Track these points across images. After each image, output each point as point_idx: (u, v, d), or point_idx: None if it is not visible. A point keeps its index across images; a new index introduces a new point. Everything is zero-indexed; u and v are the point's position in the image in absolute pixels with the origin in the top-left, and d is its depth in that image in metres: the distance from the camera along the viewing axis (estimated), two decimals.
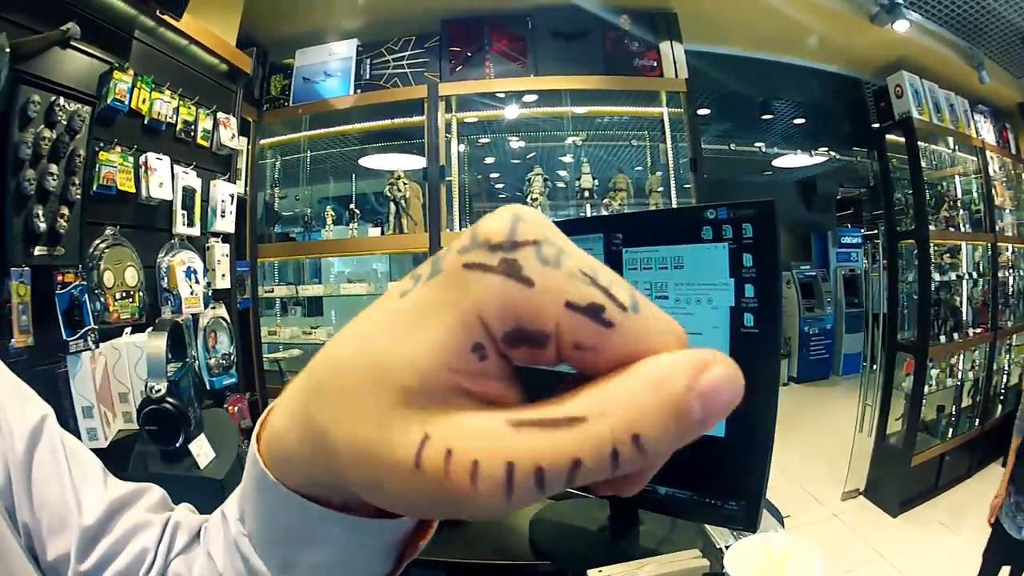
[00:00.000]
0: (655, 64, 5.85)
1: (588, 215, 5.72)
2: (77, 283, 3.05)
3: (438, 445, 0.35)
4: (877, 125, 7.41)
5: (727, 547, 1.73)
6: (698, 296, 1.49)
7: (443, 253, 0.38)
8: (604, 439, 0.32)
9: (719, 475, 1.52)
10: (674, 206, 5.66)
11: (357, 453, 0.38)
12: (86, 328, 3.05)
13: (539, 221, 0.37)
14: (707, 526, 1.80)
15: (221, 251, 4.53)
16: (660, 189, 5.88)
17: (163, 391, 2.43)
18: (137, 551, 0.81)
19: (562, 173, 6.32)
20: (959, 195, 7.67)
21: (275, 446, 0.51)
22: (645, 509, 1.73)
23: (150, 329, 2.70)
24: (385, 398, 0.37)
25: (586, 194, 5.89)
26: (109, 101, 3.36)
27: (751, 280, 1.42)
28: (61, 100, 2.99)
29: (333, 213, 6.06)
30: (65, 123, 3.01)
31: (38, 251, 2.89)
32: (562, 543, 1.80)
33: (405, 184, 5.66)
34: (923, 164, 6.91)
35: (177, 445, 2.46)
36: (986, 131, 8.09)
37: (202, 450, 2.58)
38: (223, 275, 4.55)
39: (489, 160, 7.02)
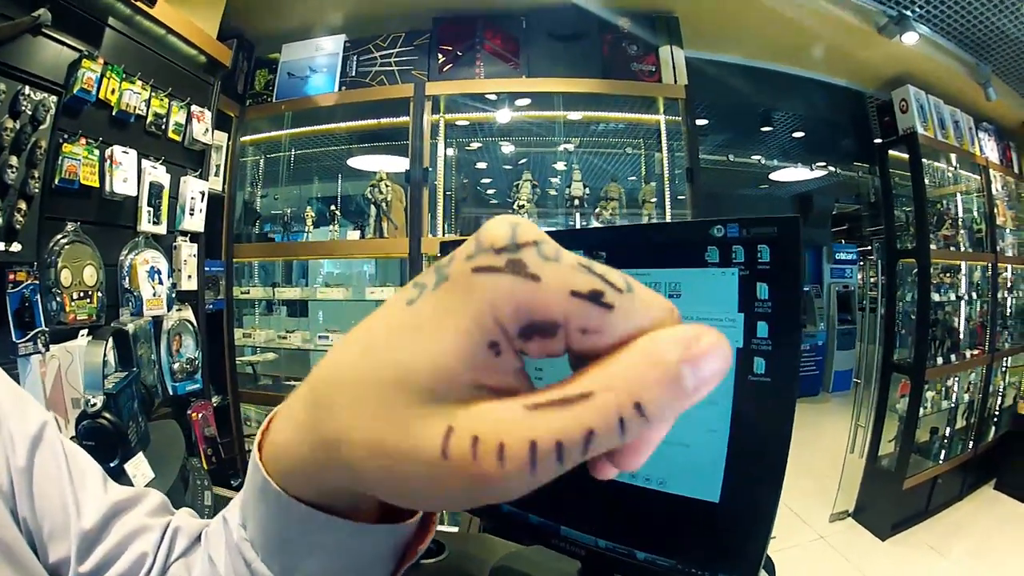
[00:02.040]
0: (653, 69, 5.76)
1: (577, 224, 5.73)
2: (29, 282, 2.95)
3: (463, 434, 0.37)
4: (880, 140, 7.37)
5: None
6: None
7: (445, 262, 0.41)
8: (611, 409, 0.36)
9: (709, 544, 1.28)
10: (668, 218, 5.63)
11: (379, 455, 0.40)
12: (36, 330, 2.94)
13: (533, 226, 0.41)
14: None
15: (189, 251, 4.42)
16: (654, 200, 5.80)
17: (99, 405, 2.32)
18: (136, 555, 0.83)
19: (554, 180, 6.29)
20: (960, 214, 7.68)
21: (280, 456, 0.53)
22: (619, 574, 1.51)
23: (89, 337, 2.60)
24: (405, 400, 0.39)
25: (576, 202, 5.84)
26: (76, 91, 3.24)
27: (765, 317, 1.15)
28: (27, 89, 2.92)
29: (313, 214, 6.04)
30: (30, 113, 2.93)
31: None
32: None
33: (388, 187, 5.59)
34: (926, 181, 6.86)
35: (112, 465, 2.34)
36: (990, 149, 8.13)
37: (139, 470, 2.47)
38: (190, 276, 4.43)
39: (480, 165, 7.02)
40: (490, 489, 0.37)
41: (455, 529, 2.70)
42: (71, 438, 2.32)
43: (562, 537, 1.53)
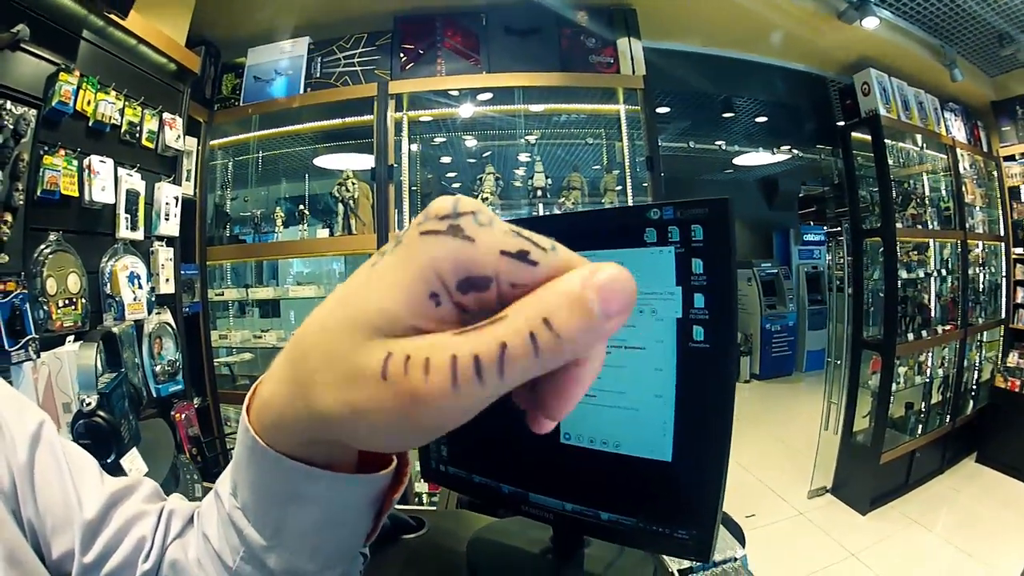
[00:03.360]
0: (612, 61, 5.83)
1: (540, 214, 5.70)
2: (18, 292, 3.00)
3: (399, 356, 0.43)
4: (842, 123, 7.48)
5: (679, 571, 1.65)
6: (640, 306, 1.31)
7: (403, 231, 0.48)
8: (521, 325, 0.41)
9: (666, 502, 1.38)
10: (627, 205, 5.64)
11: (335, 385, 0.46)
12: (27, 338, 2.99)
13: (473, 200, 0.47)
14: None
15: (165, 255, 4.48)
16: (617, 188, 5.87)
17: (93, 404, 2.39)
18: (136, 540, 0.86)
19: (518, 172, 6.32)
20: (927, 192, 7.76)
21: (264, 412, 0.59)
22: (587, 535, 1.61)
23: (79, 341, 2.66)
24: (358, 338, 0.45)
25: (539, 193, 5.90)
26: (54, 103, 3.31)
27: (701, 288, 1.25)
28: (8, 104, 2.97)
29: (283, 214, 6.05)
30: (12, 127, 2.98)
31: None
32: (501, 566, 1.70)
33: (354, 184, 5.63)
34: (890, 162, 6.95)
35: (108, 460, 2.40)
36: (956, 129, 8.21)
37: (134, 464, 2.54)
38: (167, 279, 4.50)
39: (444, 159, 7.06)
40: (423, 409, 0.42)
41: (434, 508, 2.77)
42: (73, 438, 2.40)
43: (531, 503, 1.61)
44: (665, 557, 1.71)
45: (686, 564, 1.70)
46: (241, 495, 0.67)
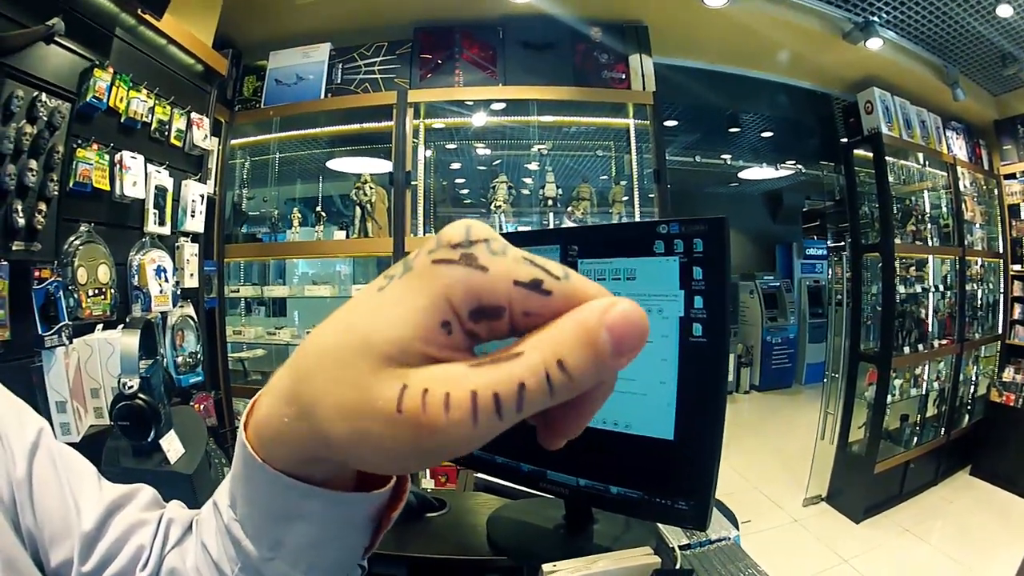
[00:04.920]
0: (623, 76, 5.89)
1: (551, 223, 5.85)
2: (53, 279, 3.07)
3: (415, 389, 0.43)
4: (845, 140, 7.54)
5: (680, 547, 1.79)
6: (649, 307, 1.52)
7: (412, 256, 0.48)
8: (538, 365, 0.42)
9: (668, 476, 1.58)
10: (636, 217, 5.76)
11: (345, 414, 0.46)
12: (61, 324, 3.07)
13: (486, 227, 0.47)
14: (660, 525, 1.85)
15: (190, 250, 4.55)
16: (624, 199, 5.93)
17: (135, 387, 2.46)
18: (134, 549, 0.86)
19: (527, 180, 6.35)
20: (927, 209, 7.78)
21: (264, 429, 0.58)
22: (598, 507, 1.80)
23: (122, 326, 2.72)
24: (368, 366, 0.45)
25: (550, 202, 5.95)
26: (88, 99, 3.35)
27: (700, 292, 1.47)
28: (43, 96, 3.00)
29: (300, 215, 6.08)
30: (46, 119, 3.01)
31: (16, 246, 2.91)
32: (518, 540, 1.87)
33: (372, 188, 5.69)
34: (891, 179, 7.04)
35: (148, 440, 2.49)
36: (958, 147, 8.25)
37: (172, 446, 2.60)
38: (192, 274, 4.56)
39: (455, 166, 7.08)
40: (439, 440, 0.43)
41: (454, 487, 2.87)
42: (110, 420, 2.50)
43: (549, 480, 1.82)
44: (666, 534, 1.84)
45: (685, 540, 1.84)
46: (239, 508, 0.67)
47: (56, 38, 3.12)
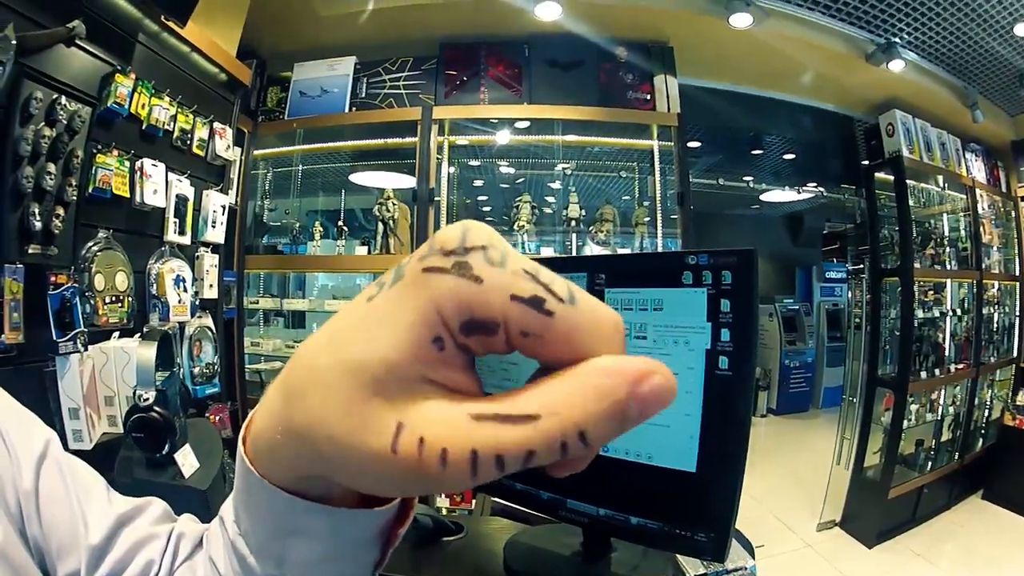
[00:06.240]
0: (648, 97, 5.88)
1: (573, 244, 5.84)
2: (69, 285, 3.05)
3: (411, 436, 0.41)
4: (867, 163, 7.52)
5: (697, 575, 1.78)
6: (675, 338, 1.52)
7: (405, 262, 0.45)
8: (554, 435, 0.39)
9: (689, 508, 1.57)
10: (659, 239, 5.75)
11: (339, 447, 0.43)
12: (76, 330, 3.05)
13: (485, 230, 0.44)
14: (678, 555, 1.84)
15: (210, 261, 4.53)
16: (647, 220, 5.91)
17: (151, 400, 2.45)
18: (143, 564, 0.85)
19: (550, 199, 6.33)
20: (946, 233, 7.76)
21: (260, 444, 0.55)
22: (617, 537, 1.79)
23: (139, 337, 2.72)
24: (359, 391, 0.42)
25: (573, 223, 5.91)
26: (109, 104, 3.35)
27: (727, 325, 1.46)
28: (63, 99, 2.99)
29: (322, 227, 6.06)
30: (65, 122, 3.00)
31: (32, 249, 2.89)
32: (536, 567, 1.84)
33: (395, 205, 5.68)
34: (911, 202, 7.00)
35: (163, 454, 2.48)
36: (977, 169, 8.22)
37: (187, 460, 2.59)
38: (211, 285, 4.54)
39: (478, 183, 7.05)
40: (435, 484, 0.41)
41: (470, 507, 2.86)
42: (124, 431, 2.50)
43: (568, 508, 1.79)
44: (683, 563, 1.83)
45: (702, 570, 1.81)
46: (242, 523, 0.66)
47: (77, 41, 3.10)
